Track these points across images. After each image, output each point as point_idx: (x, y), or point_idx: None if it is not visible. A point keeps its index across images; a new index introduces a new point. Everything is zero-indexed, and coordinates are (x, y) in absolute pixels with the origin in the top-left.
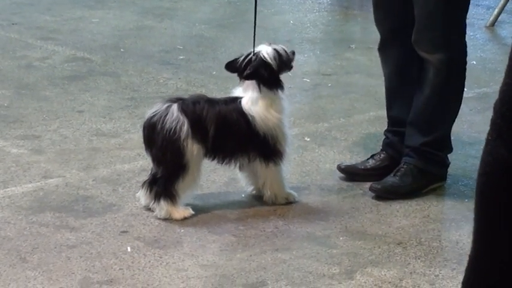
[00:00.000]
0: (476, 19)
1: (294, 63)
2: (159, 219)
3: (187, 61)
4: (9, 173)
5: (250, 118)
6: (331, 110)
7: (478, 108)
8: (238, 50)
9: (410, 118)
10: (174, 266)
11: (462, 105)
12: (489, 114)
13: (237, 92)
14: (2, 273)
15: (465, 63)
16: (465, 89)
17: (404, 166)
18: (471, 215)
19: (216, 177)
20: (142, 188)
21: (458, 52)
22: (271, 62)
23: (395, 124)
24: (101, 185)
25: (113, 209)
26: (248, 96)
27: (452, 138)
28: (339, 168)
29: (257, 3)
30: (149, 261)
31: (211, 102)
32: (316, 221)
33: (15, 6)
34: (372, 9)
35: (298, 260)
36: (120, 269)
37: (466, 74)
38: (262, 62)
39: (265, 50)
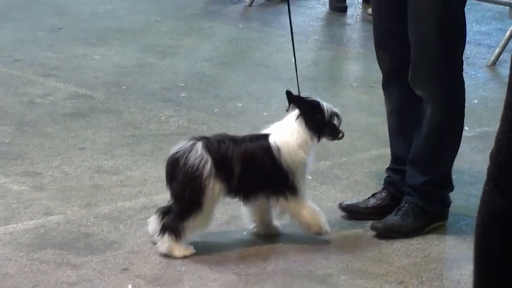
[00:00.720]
0: (477, 58)
1: (340, 135)
2: (161, 256)
3: (189, 99)
4: (10, 209)
5: (276, 152)
6: (333, 148)
7: (479, 147)
8: (240, 87)
9: (410, 157)
10: None
11: (463, 144)
12: None
13: (269, 128)
14: None
15: (463, 100)
16: (466, 128)
17: (406, 205)
18: (472, 255)
19: (218, 215)
20: (155, 214)
21: (455, 89)
22: (326, 113)
23: (397, 162)
24: (102, 222)
25: (114, 246)
26: (287, 127)
27: (453, 177)
28: (340, 206)
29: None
30: None
31: (236, 141)
32: (318, 259)
33: (18, 43)
34: (373, 48)
35: None
36: None
37: (468, 113)
38: (319, 107)
39: (326, 103)
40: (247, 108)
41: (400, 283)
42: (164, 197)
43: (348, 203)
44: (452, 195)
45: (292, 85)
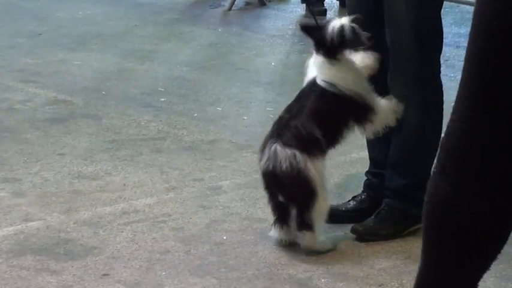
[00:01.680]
0: (456, 60)
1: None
2: (141, 261)
3: (169, 103)
4: None
5: (334, 90)
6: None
7: None
8: (220, 92)
9: (389, 160)
10: None
11: None
12: None
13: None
14: None
15: (442, 102)
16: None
17: (385, 208)
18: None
19: (198, 220)
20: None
21: (433, 93)
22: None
23: (376, 166)
24: (82, 228)
25: (94, 251)
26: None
27: None
28: None
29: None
30: None
31: (293, 109)
32: (298, 263)
33: None
34: None
35: None
36: None
37: (447, 114)
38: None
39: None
40: (227, 113)
41: (380, 285)
42: (145, 201)
43: None
44: None
45: (272, 88)
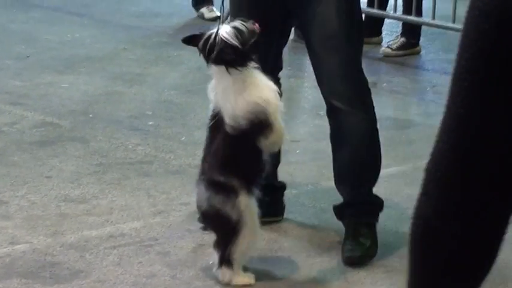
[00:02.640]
0: (444, 87)
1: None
2: (126, 286)
3: (156, 127)
4: None
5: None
6: (300, 176)
7: None
8: (208, 116)
9: (339, 175)
10: None
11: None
12: None
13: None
14: None
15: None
16: None
17: (356, 227)
18: None
19: (184, 244)
20: None
21: (370, 94)
22: (234, 42)
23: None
24: (68, 252)
25: (81, 275)
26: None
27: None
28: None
29: None
30: None
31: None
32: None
33: None
34: None
35: None
36: None
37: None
38: (226, 44)
39: (224, 30)
40: None
41: None
42: (131, 225)
43: None
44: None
45: None
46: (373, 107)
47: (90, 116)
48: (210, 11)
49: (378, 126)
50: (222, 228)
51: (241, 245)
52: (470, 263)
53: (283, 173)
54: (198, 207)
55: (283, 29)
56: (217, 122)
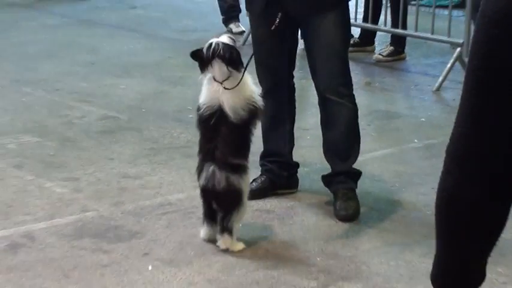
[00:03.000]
0: (424, 85)
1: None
2: (174, 243)
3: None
4: (55, 207)
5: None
6: (310, 157)
7: (426, 156)
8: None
9: (329, 150)
10: (186, 281)
11: (413, 153)
12: (435, 160)
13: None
14: (49, 287)
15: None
16: (416, 140)
17: (347, 190)
18: (422, 241)
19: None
20: (205, 223)
21: (353, 91)
22: (235, 46)
23: (271, 155)
24: (127, 217)
25: (137, 235)
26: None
27: (405, 178)
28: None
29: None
30: (166, 277)
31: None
32: (298, 245)
33: (59, 76)
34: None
35: (285, 276)
36: (143, 283)
37: (416, 128)
38: (228, 46)
39: (223, 39)
40: None
41: (363, 263)
42: (177, 196)
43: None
44: (403, 193)
45: None
46: (355, 99)
47: (143, 110)
48: (237, 27)
49: (372, 117)
50: (233, 201)
51: (241, 214)
52: (486, 224)
53: (296, 155)
54: (207, 186)
55: (293, 39)
56: (218, 118)
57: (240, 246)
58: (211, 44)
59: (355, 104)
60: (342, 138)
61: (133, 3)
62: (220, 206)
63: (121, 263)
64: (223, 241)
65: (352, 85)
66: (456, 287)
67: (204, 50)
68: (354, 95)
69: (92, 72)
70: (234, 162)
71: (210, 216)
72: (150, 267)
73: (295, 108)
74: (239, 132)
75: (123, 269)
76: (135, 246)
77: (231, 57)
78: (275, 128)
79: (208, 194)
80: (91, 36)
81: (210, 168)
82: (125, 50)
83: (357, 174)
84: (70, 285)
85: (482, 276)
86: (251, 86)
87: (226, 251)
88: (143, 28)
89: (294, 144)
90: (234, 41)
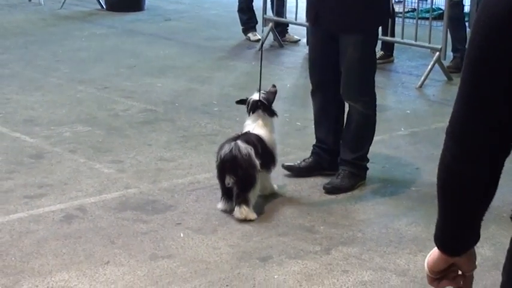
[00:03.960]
0: (409, 83)
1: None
2: (202, 214)
3: (220, 111)
4: (103, 185)
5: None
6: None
7: (411, 142)
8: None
9: (343, 141)
10: (211, 245)
11: (400, 140)
12: (418, 145)
13: (247, 125)
14: (98, 251)
15: (376, 106)
16: (402, 129)
17: (343, 172)
18: (407, 212)
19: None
20: (222, 198)
21: (371, 99)
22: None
23: (320, 142)
24: (163, 193)
25: (171, 208)
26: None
27: (393, 161)
28: (282, 166)
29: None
30: (195, 243)
31: (245, 135)
32: (304, 215)
33: (107, 76)
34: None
35: (293, 241)
36: (175, 247)
37: (402, 119)
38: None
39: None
40: None
41: (359, 231)
42: (204, 176)
43: (287, 164)
44: (392, 173)
45: (288, 102)
46: (375, 106)
47: (176, 104)
48: (254, 35)
49: None
50: (251, 172)
51: (256, 190)
52: (481, 191)
53: (303, 141)
54: (228, 158)
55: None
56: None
57: (254, 215)
58: (250, 99)
59: (369, 113)
60: (352, 134)
61: (168, 16)
62: (238, 177)
63: (157, 231)
64: (239, 212)
65: (370, 92)
66: (455, 245)
67: (247, 103)
68: (372, 103)
69: (134, 73)
70: (256, 147)
71: (226, 193)
72: (181, 235)
73: (342, 104)
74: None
75: (159, 236)
76: (169, 217)
77: (262, 107)
78: (322, 118)
79: (228, 167)
80: (133, 43)
81: (234, 142)
82: (161, 54)
83: (361, 166)
84: (115, 250)
85: (478, 237)
86: (271, 126)
87: (243, 221)
88: (176, 36)
89: (339, 136)
90: (266, 95)
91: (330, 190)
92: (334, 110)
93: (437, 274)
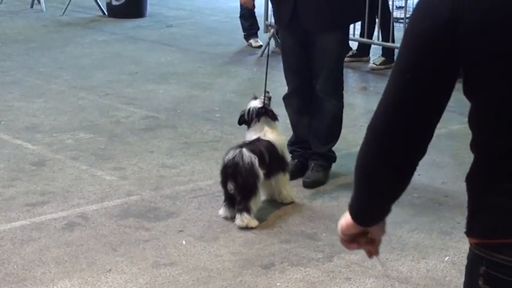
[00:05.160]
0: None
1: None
2: (203, 222)
3: (221, 118)
4: (104, 192)
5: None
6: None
7: None
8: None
9: (315, 135)
10: (213, 253)
11: None
12: None
13: (253, 132)
14: (100, 259)
15: (343, 102)
16: None
17: (316, 165)
18: (410, 219)
19: None
20: (224, 204)
21: (342, 91)
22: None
23: (301, 141)
24: (165, 200)
25: (173, 215)
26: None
27: None
28: None
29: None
30: (197, 250)
31: (252, 143)
32: (307, 222)
33: (108, 83)
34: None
35: (296, 249)
36: (178, 255)
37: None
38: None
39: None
40: None
41: None
42: (206, 183)
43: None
44: None
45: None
46: (343, 98)
47: (178, 111)
48: (256, 42)
49: (368, 116)
50: (252, 181)
51: (258, 200)
52: (393, 189)
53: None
54: (231, 164)
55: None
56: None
57: (256, 222)
58: (249, 108)
59: (341, 102)
60: (326, 127)
61: (169, 23)
62: (239, 185)
63: (159, 238)
64: (241, 219)
65: (342, 87)
66: (367, 218)
67: (245, 112)
68: (342, 95)
69: (136, 80)
70: (261, 157)
71: (228, 199)
72: (183, 242)
73: (315, 102)
74: (266, 147)
75: (161, 243)
76: (171, 224)
77: (261, 112)
78: (300, 122)
79: (229, 173)
80: (135, 50)
81: (239, 149)
82: (163, 61)
83: (332, 157)
84: (117, 258)
85: (389, 211)
86: (276, 129)
87: (245, 228)
88: (178, 43)
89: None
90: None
91: (310, 184)
92: (309, 110)
93: (349, 237)
